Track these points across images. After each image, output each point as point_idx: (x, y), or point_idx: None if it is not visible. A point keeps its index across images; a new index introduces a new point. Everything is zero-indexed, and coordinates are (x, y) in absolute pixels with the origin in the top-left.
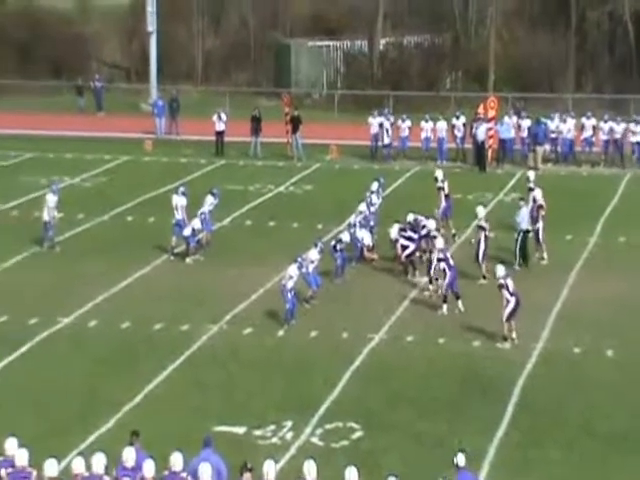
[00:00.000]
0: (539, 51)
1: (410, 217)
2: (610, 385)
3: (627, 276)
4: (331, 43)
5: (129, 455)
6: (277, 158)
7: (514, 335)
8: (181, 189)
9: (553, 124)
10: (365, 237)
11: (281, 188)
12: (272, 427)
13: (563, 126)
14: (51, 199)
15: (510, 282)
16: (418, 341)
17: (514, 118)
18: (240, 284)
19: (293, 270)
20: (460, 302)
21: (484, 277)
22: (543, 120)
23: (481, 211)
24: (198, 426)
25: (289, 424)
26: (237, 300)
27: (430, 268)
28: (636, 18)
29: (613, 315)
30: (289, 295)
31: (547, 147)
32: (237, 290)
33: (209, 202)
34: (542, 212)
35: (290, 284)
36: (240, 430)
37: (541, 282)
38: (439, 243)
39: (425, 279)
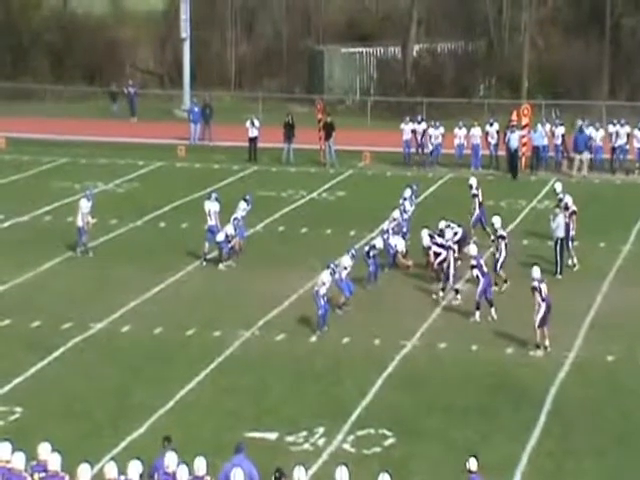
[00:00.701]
0: (573, 58)
1: (442, 224)
2: None
3: None
4: (364, 49)
5: (171, 460)
6: (310, 164)
7: (547, 342)
8: (214, 195)
9: (587, 131)
10: (398, 244)
11: (314, 194)
12: (304, 433)
13: (596, 134)
14: (85, 205)
15: (544, 287)
16: (450, 348)
17: (547, 125)
18: (272, 290)
19: (326, 276)
20: (493, 310)
21: (505, 281)
22: (585, 128)
23: (497, 221)
24: (230, 432)
25: (321, 430)
26: (270, 306)
27: (448, 276)
28: None
29: None
30: (322, 301)
31: (587, 155)
32: (270, 296)
33: (242, 208)
34: (574, 217)
35: (322, 290)
36: (272, 436)
37: (574, 290)
38: (472, 250)
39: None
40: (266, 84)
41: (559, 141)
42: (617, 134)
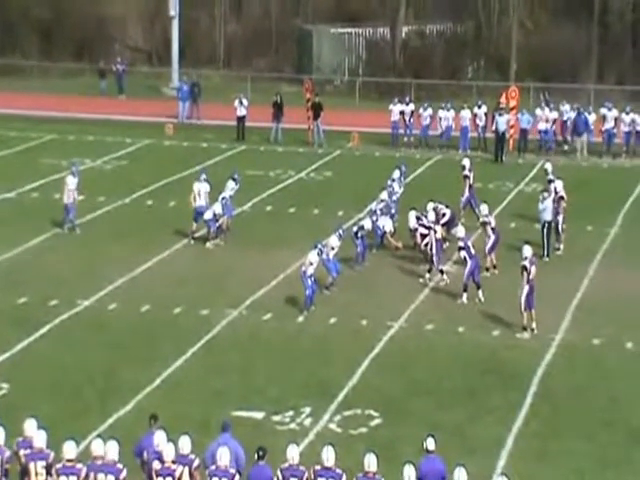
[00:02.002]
0: (562, 41)
1: (430, 205)
2: (630, 377)
3: None
4: (353, 30)
5: (160, 439)
6: (298, 144)
7: (534, 325)
8: (203, 175)
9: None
10: (386, 224)
11: (302, 174)
12: (290, 413)
13: (589, 117)
14: (71, 181)
15: (533, 269)
16: (438, 330)
17: (546, 110)
18: (260, 270)
19: (313, 256)
20: (480, 292)
21: (494, 267)
22: (582, 111)
23: (484, 208)
24: (217, 411)
25: (308, 410)
26: (257, 285)
27: (433, 257)
28: None
29: (633, 307)
30: (309, 281)
31: (586, 138)
32: (257, 276)
33: (230, 187)
34: (563, 203)
35: (310, 270)
36: (259, 415)
37: (561, 273)
38: (460, 232)
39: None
40: (255, 63)
41: (550, 125)
42: (605, 118)
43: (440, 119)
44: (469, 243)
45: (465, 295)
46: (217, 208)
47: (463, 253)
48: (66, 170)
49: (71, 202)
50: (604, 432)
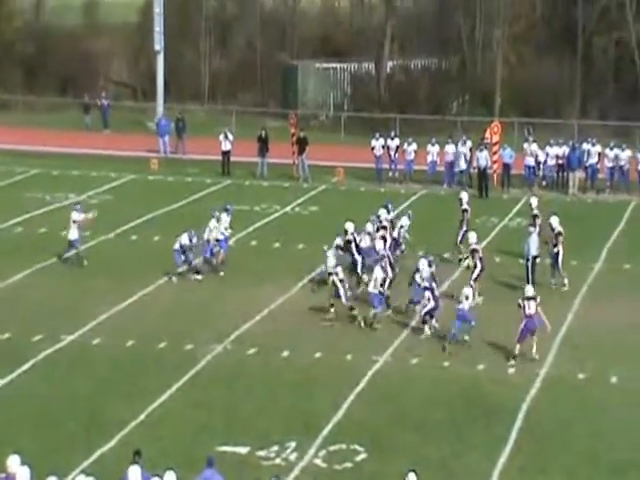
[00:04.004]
0: (545, 76)
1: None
2: (615, 411)
3: (631, 303)
4: (338, 65)
5: (134, 474)
6: (283, 179)
7: (534, 351)
8: (190, 234)
9: (560, 150)
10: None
11: (287, 209)
12: (275, 448)
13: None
14: (76, 216)
15: (531, 304)
16: (423, 364)
17: (534, 145)
18: (245, 304)
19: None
20: (427, 327)
21: (479, 295)
22: (577, 146)
23: (473, 236)
24: (201, 445)
25: (293, 445)
26: (242, 320)
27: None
28: None
29: (617, 341)
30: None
31: (581, 174)
32: (242, 310)
33: (224, 220)
34: (561, 238)
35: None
36: (243, 450)
37: (546, 307)
38: (425, 272)
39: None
40: (240, 98)
41: (532, 161)
42: (588, 153)
43: (428, 154)
44: (434, 285)
45: (427, 328)
46: (184, 239)
47: (428, 294)
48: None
49: (76, 238)
50: (588, 467)
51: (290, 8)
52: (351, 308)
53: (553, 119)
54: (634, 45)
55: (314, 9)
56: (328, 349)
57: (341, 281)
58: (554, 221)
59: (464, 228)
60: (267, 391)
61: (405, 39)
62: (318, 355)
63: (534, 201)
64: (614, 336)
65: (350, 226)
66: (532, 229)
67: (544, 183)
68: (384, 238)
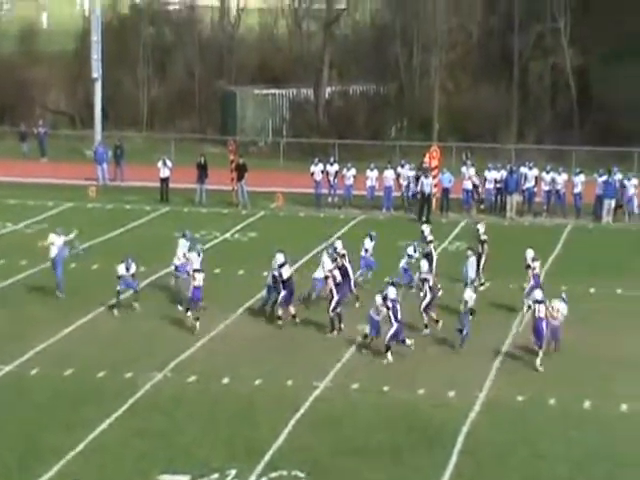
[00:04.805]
0: (483, 102)
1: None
2: (554, 434)
3: (569, 325)
4: (277, 91)
5: None
6: (222, 205)
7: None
8: (127, 263)
9: (498, 174)
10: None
11: (226, 235)
12: (216, 475)
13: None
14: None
15: (541, 308)
16: (363, 389)
17: (472, 169)
18: (184, 331)
19: (378, 300)
20: (390, 353)
21: (426, 326)
22: (515, 170)
23: (424, 264)
24: (142, 474)
25: (233, 472)
26: (181, 347)
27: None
28: (578, 71)
29: (556, 364)
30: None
31: (519, 197)
32: (181, 337)
33: (182, 244)
34: (486, 246)
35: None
36: (184, 478)
37: (484, 330)
38: (391, 292)
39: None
40: (178, 125)
41: (470, 184)
42: (525, 177)
43: (367, 179)
44: (397, 306)
45: (389, 354)
46: (121, 269)
47: (390, 313)
48: None
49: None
50: None
51: (228, 34)
52: (332, 320)
53: (491, 144)
54: (569, 70)
55: (252, 35)
56: (268, 375)
57: (337, 285)
58: (481, 228)
59: (483, 259)
60: (207, 418)
61: (343, 65)
62: (258, 382)
63: (481, 227)
64: (553, 359)
65: (280, 257)
66: (470, 253)
67: (482, 207)
68: (340, 267)
